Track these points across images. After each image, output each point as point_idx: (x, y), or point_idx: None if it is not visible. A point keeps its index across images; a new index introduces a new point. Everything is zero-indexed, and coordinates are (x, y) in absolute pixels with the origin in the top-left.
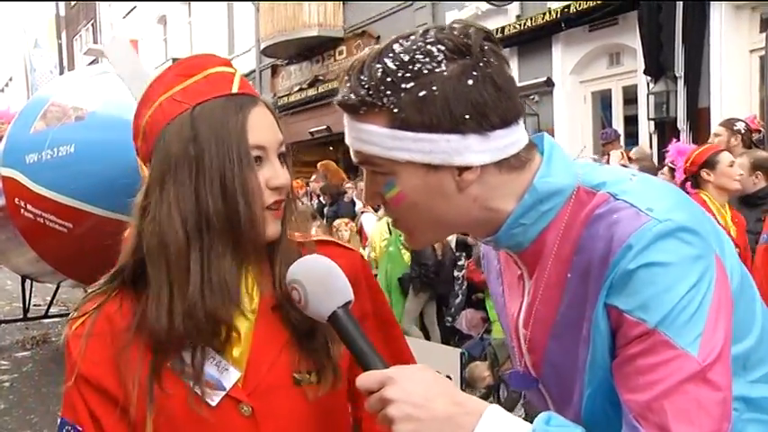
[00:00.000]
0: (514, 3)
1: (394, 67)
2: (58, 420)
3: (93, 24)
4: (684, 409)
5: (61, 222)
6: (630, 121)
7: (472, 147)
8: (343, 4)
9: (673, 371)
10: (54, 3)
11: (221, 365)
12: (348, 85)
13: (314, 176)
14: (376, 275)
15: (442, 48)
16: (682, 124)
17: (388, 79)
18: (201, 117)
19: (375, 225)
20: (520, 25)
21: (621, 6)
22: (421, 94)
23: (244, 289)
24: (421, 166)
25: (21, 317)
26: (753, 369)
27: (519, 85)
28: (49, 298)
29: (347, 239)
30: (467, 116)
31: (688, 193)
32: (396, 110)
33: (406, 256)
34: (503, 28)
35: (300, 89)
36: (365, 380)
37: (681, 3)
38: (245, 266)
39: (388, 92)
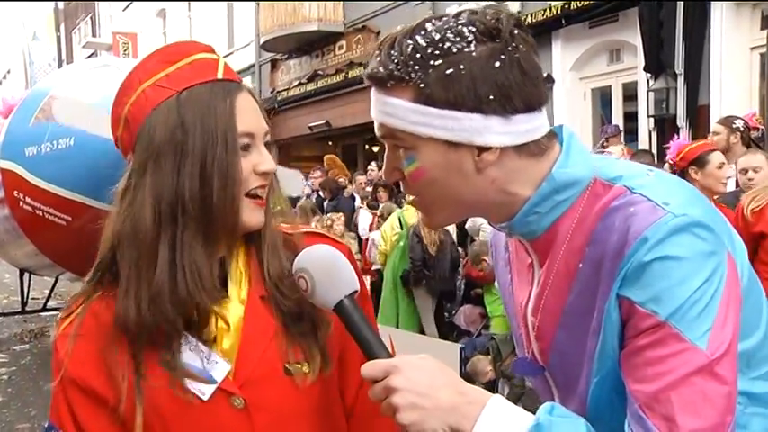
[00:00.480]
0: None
1: (424, 44)
2: (46, 423)
3: (91, 17)
4: (690, 401)
5: (60, 215)
6: (630, 118)
7: (493, 128)
8: None
9: (681, 363)
10: None
11: (211, 358)
12: (378, 59)
13: (317, 172)
14: (380, 271)
15: (473, 29)
16: (681, 121)
17: (418, 55)
18: (188, 103)
19: (388, 218)
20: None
21: (622, 3)
22: (448, 71)
23: (234, 277)
24: (442, 143)
25: (19, 310)
26: (756, 366)
27: None
28: (47, 291)
29: (340, 234)
30: (491, 97)
31: None
32: (422, 85)
33: None
34: None
35: (300, 84)
36: (370, 368)
37: (681, 0)
38: (234, 254)
39: (417, 67)
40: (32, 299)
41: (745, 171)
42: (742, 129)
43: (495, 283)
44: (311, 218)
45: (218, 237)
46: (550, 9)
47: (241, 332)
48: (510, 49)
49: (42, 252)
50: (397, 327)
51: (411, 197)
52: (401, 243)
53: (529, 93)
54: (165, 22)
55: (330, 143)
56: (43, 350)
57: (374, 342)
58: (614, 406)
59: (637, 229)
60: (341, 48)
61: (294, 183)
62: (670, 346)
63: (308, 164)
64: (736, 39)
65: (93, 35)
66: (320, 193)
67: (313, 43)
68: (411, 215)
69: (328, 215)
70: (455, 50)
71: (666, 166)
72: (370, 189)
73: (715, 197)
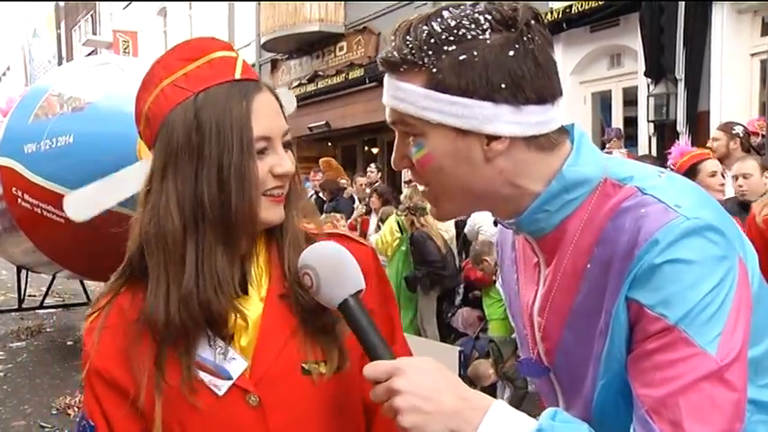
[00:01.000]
0: (516, 2)
1: (439, 30)
2: (80, 414)
3: (92, 15)
4: (698, 407)
5: (58, 213)
6: (630, 123)
7: (503, 117)
8: (345, 0)
9: (690, 368)
10: None
11: (228, 354)
12: (393, 44)
13: (313, 173)
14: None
15: (490, 17)
16: (681, 127)
17: (432, 40)
18: (205, 105)
19: (386, 222)
20: None
21: (623, 8)
22: (462, 57)
23: (253, 276)
24: (451, 130)
25: (16, 307)
26: (764, 374)
27: None
28: (44, 288)
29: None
30: (503, 85)
31: None
32: (435, 70)
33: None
34: None
35: (300, 84)
36: (373, 369)
37: (683, 5)
38: (253, 254)
39: (430, 52)
40: (29, 296)
41: (736, 177)
42: (742, 135)
43: (498, 284)
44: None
45: (238, 239)
46: (552, 12)
47: (259, 330)
48: (525, 39)
49: (40, 249)
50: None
51: (422, 188)
52: (402, 247)
53: (541, 85)
54: (165, 21)
55: (329, 144)
56: (39, 348)
57: (378, 343)
58: (620, 409)
59: (648, 231)
60: (341, 49)
61: (289, 99)
62: (679, 350)
63: (307, 164)
64: (737, 45)
65: (94, 33)
66: (320, 194)
67: (313, 44)
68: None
69: (324, 216)
70: (470, 37)
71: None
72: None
73: None
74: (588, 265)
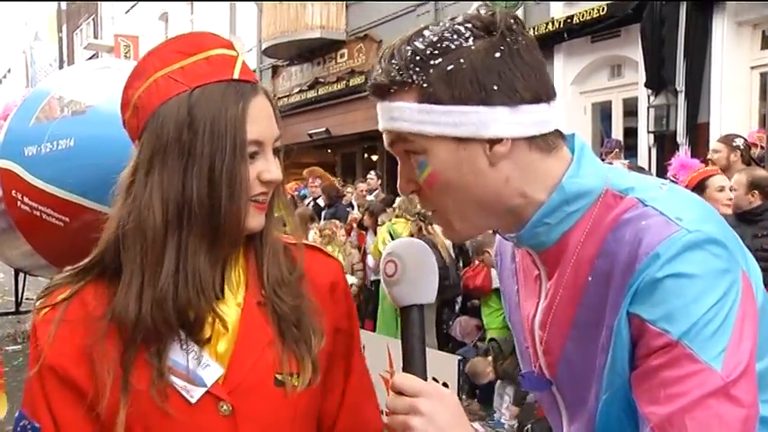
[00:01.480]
0: (517, 11)
1: (423, 47)
2: (17, 413)
3: (93, 19)
4: (705, 425)
5: (58, 216)
6: (630, 134)
7: (501, 118)
8: (346, 7)
9: (695, 385)
10: None
11: (203, 360)
12: (380, 69)
13: (311, 180)
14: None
15: (470, 26)
16: (681, 138)
17: (418, 57)
18: (200, 102)
19: (378, 232)
20: None
21: (624, 19)
22: (449, 67)
23: (232, 281)
24: (451, 141)
25: (13, 310)
26: (767, 389)
27: None
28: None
29: (342, 243)
30: (495, 87)
31: None
32: (425, 85)
33: None
34: None
35: (300, 91)
36: (405, 381)
37: (684, 17)
38: (232, 259)
39: (418, 68)
40: (27, 299)
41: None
42: (742, 147)
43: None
44: (310, 225)
45: (222, 243)
46: (553, 23)
47: (237, 337)
48: (509, 40)
49: (39, 252)
50: (396, 337)
51: (430, 212)
52: None
53: (534, 83)
54: (167, 26)
55: (329, 150)
56: None
57: (419, 360)
58: (623, 425)
59: (648, 244)
60: (342, 56)
61: None
62: (683, 366)
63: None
64: (737, 58)
65: (95, 37)
66: (318, 201)
67: (314, 51)
68: (401, 228)
69: (324, 223)
70: (454, 47)
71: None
72: (370, 198)
73: None
74: (590, 278)
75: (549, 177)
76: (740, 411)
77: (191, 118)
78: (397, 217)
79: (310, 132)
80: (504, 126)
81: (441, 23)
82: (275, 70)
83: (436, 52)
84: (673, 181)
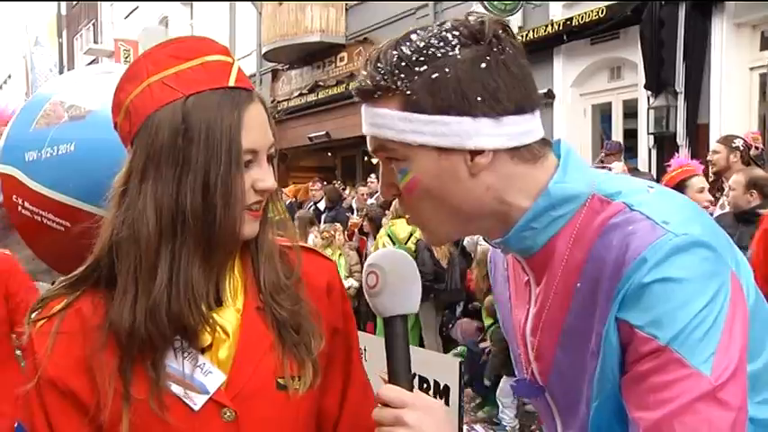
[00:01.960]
0: (517, 14)
1: (409, 53)
2: (15, 424)
3: (94, 24)
4: (695, 429)
5: (59, 221)
6: (630, 135)
7: (484, 130)
8: (346, 10)
9: (684, 390)
10: (56, 2)
11: (205, 367)
12: (365, 72)
13: (312, 183)
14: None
15: (457, 33)
16: (681, 140)
17: (403, 63)
18: (194, 110)
19: (378, 235)
20: (522, 37)
21: (624, 20)
22: (434, 76)
23: (229, 287)
24: (433, 150)
25: None
26: (761, 390)
27: None
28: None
29: (341, 245)
30: (478, 98)
31: None
32: (409, 92)
33: None
34: None
35: (300, 94)
36: (391, 392)
37: (683, 18)
38: (228, 265)
39: (402, 75)
40: None
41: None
42: (742, 148)
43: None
44: (309, 229)
45: (217, 252)
46: (552, 25)
47: (237, 343)
48: (495, 50)
49: (40, 257)
50: None
51: (408, 215)
52: None
53: (518, 94)
54: (167, 31)
55: (329, 154)
56: None
57: (404, 369)
58: (615, 431)
59: (635, 249)
60: (342, 59)
61: None
62: (672, 371)
63: (307, 174)
64: (737, 59)
65: (95, 42)
66: (318, 205)
67: (314, 54)
68: (399, 229)
69: (325, 226)
70: (440, 55)
71: None
72: (371, 201)
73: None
74: (578, 284)
75: (533, 185)
76: (729, 415)
77: (185, 126)
78: (394, 218)
79: (310, 136)
80: (486, 138)
81: (429, 28)
82: (275, 74)
83: (422, 59)
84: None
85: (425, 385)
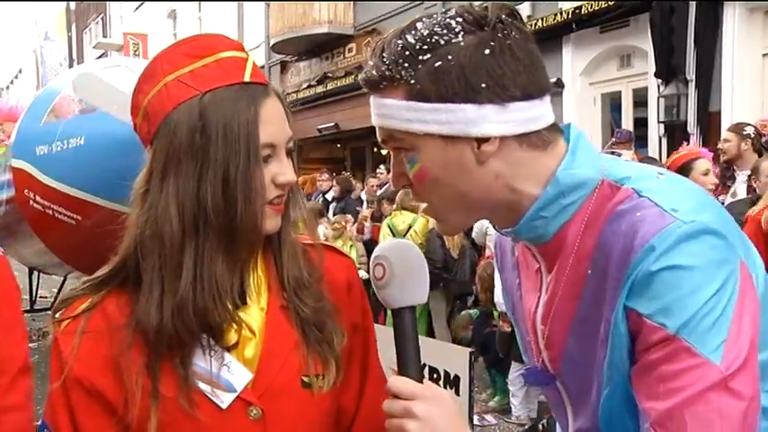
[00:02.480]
0: (525, 3)
1: (413, 41)
2: (38, 422)
3: (102, 18)
4: (705, 419)
5: (69, 214)
6: (640, 124)
7: (489, 117)
8: (354, 1)
9: (694, 379)
10: None
11: (231, 366)
12: (371, 63)
13: (324, 175)
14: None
15: (461, 20)
16: (692, 128)
17: (407, 53)
18: (211, 107)
19: (381, 226)
20: (531, 26)
21: (633, 8)
22: (437, 64)
23: (253, 285)
24: (439, 139)
25: (27, 308)
26: None
27: None
28: (55, 290)
29: (350, 237)
30: (483, 85)
31: None
32: (413, 81)
33: None
34: None
35: (309, 86)
36: (400, 384)
37: (693, 5)
38: (251, 263)
39: (406, 64)
40: (41, 297)
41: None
42: (753, 135)
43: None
44: (319, 220)
45: (240, 247)
46: (561, 13)
47: (263, 341)
48: (500, 36)
49: (52, 251)
50: None
51: (423, 205)
52: None
53: (525, 80)
54: (175, 23)
55: (339, 145)
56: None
57: (413, 361)
58: (625, 419)
59: (643, 237)
60: (350, 50)
61: None
62: (682, 360)
63: (316, 166)
64: (749, 45)
65: (104, 36)
66: (326, 196)
67: (323, 45)
68: (399, 221)
69: (336, 217)
70: (443, 42)
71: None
72: (381, 193)
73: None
74: (589, 271)
75: (543, 172)
76: (741, 404)
77: (203, 122)
78: (396, 210)
79: (319, 127)
80: (491, 125)
81: (434, 16)
82: (284, 66)
83: (425, 47)
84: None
85: (435, 375)
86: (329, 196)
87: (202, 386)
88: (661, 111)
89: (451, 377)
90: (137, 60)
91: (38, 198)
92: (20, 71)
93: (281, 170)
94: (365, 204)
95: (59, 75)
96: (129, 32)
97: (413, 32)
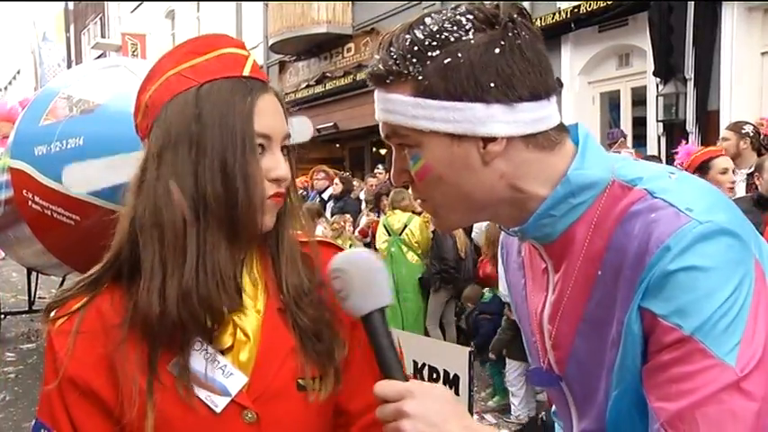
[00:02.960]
0: (524, 2)
1: (422, 37)
2: (33, 422)
3: (101, 18)
4: (718, 420)
5: (68, 215)
6: (639, 123)
7: (496, 117)
8: (353, 1)
9: (708, 381)
10: None
11: (227, 369)
12: (378, 57)
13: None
14: None
15: (471, 17)
16: (691, 127)
17: (416, 48)
18: (208, 96)
19: (378, 226)
20: None
21: (632, 7)
22: (446, 61)
23: (248, 288)
24: (445, 136)
25: (26, 309)
26: None
27: None
28: (54, 290)
29: (349, 236)
30: (492, 84)
31: None
32: (421, 77)
33: (410, 255)
34: None
35: (308, 86)
36: (386, 388)
37: (692, 4)
38: (248, 262)
39: (414, 60)
40: (39, 298)
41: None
42: (752, 134)
43: (501, 288)
44: (317, 221)
45: (240, 239)
46: (560, 12)
47: (259, 345)
48: (510, 35)
49: (50, 251)
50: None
51: (420, 200)
52: (392, 249)
53: (534, 80)
54: (173, 24)
55: (338, 145)
56: None
57: (394, 362)
58: (634, 421)
59: (659, 237)
60: (349, 50)
61: (303, 128)
62: (696, 362)
63: (315, 166)
64: (747, 44)
65: (103, 36)
66: (322, 195)
67: (321, 45)
68: (394, 220)
69: (335, 217)
70: (453, 39)
71: None
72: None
73: None
74: (599, 272)
75: (550, 173)
76: (753, 405)
77: (199, 110)
78: (391, 209)
79: (318, 127)
80: (499, 125)
81: (443, 11)
82: (282, 66)
83: (435, 44)
84: (681, 170)
85: (435, 375)
86: (326, 195)
87: (197, 390)
88: (660, 110)
89: (451, 376)
90: (135, 61)
91: (37, 198)
92: (18, 72)
93: (274, 165)
94: (364, 204)
95: (58, 75)
96: (127, 33)
97: (421, 28)
